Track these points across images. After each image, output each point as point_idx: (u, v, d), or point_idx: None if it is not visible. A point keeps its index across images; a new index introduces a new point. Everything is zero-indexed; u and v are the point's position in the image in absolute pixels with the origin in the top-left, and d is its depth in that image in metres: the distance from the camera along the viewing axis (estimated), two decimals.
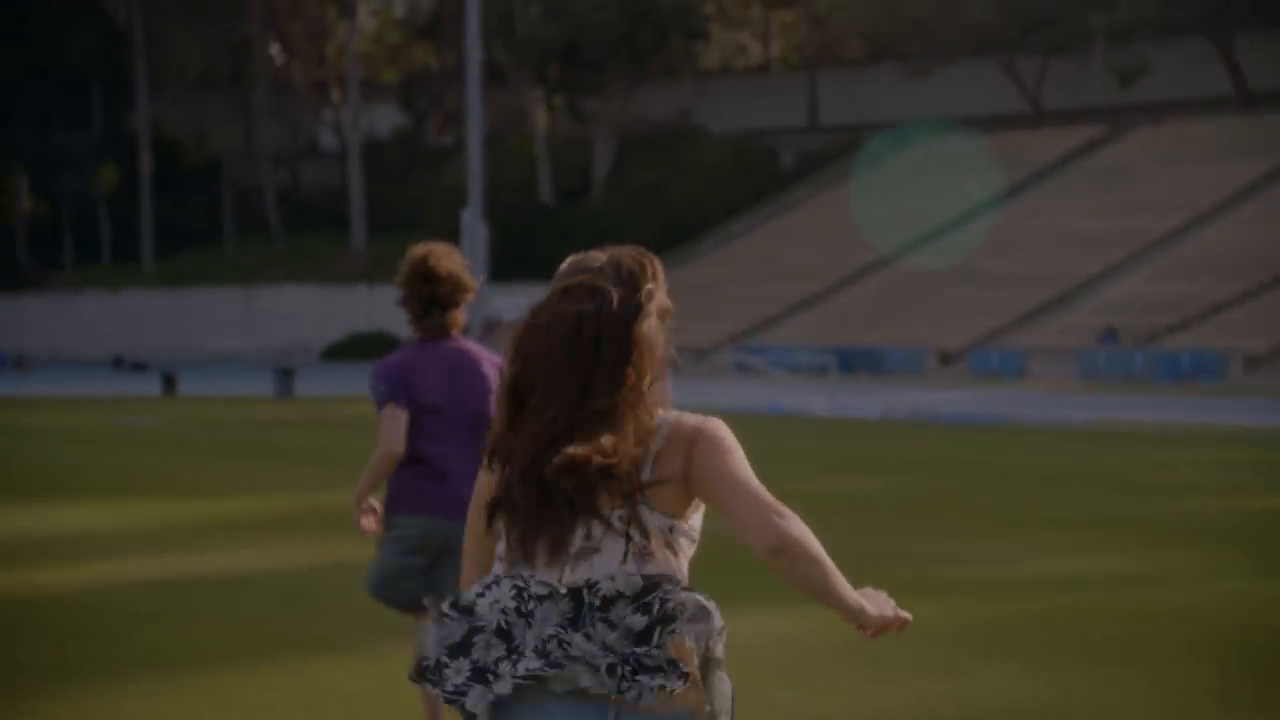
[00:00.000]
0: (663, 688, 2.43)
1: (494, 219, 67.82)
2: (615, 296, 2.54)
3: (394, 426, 4.73)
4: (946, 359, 53.48)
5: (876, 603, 2.80)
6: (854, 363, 52.38)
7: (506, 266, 70.06)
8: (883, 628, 2.76)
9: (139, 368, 55.96)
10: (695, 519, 2.67)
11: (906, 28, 73.84)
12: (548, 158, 76.95)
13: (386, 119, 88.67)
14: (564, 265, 2.74)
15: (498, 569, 2.52)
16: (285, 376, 35.30)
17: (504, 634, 2.43)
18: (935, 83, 76.67)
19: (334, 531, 10.71)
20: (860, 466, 17.38)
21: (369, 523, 4.79)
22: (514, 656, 2.42)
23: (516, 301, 69.13)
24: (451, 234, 69.19)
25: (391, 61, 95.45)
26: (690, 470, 2.54)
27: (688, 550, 2.66)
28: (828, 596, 2.71)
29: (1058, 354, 50.46)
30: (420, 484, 4.77)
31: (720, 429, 2.64)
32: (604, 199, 75.70)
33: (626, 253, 2.73)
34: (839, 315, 59.37)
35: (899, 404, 33.73)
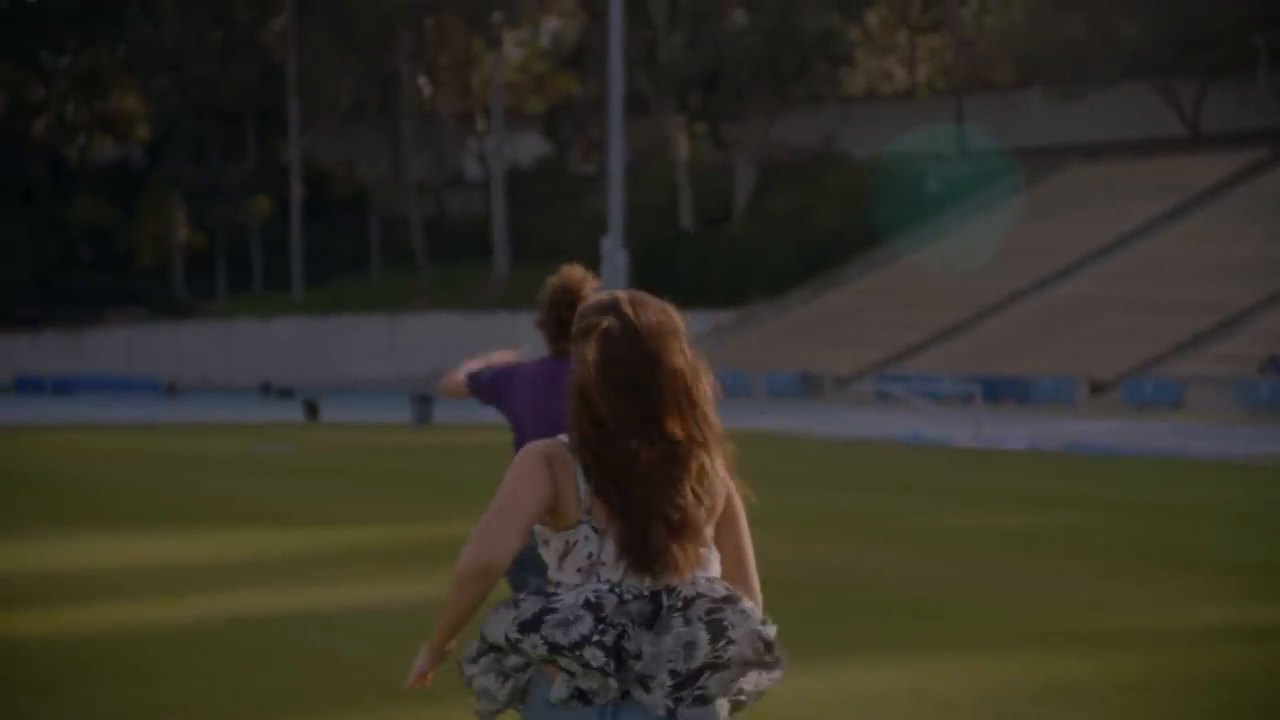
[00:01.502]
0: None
1: (635, 246, 67.71)
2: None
3: (452, 381, 5.14)
4: (1098, 388, 51.91)
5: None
6: (1000, 392, 51.12)
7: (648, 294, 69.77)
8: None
9: (285, 394, 56.78)
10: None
11: (1058, 50, 72.21)
12: (689, 185, 76.70)
13: (530, 148, 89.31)
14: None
15: (579, 576, 2.81)
16: (423, 404, 35.35)
17: (592, 606, 2.75)
18: (1087, 106, 74.94)
19: (450, 564, 10.39)
20: (1004, 501, 16.62)
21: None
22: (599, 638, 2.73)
23: None
24: (593, 261, 69.22)
25: (536, 91, 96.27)
26: (726, 508, 2.89)
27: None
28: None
29: (1216, 384, 48.66)
30: None
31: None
32: (745, 226, 75.18)
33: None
34: (985, 343, 58.04)
35: (1047, 435, 32.64)
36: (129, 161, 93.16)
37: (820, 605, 8.95)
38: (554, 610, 2.75)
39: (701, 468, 2.80)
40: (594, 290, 4.87)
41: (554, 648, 2.74)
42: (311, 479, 18.75)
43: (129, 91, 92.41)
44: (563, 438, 2.85)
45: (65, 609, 8.47)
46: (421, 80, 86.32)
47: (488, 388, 5.10)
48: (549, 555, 2.87)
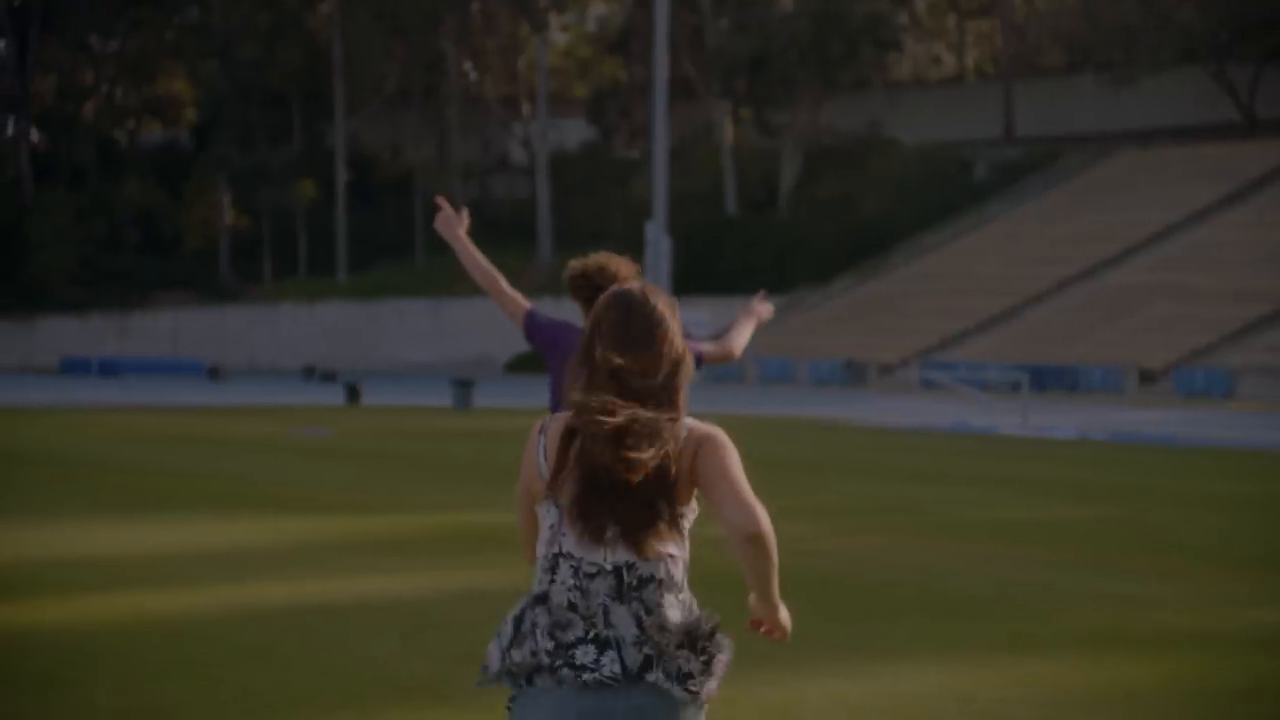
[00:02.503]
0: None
1: (680, 232, 67.28)
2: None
3: (514, 296, 5.28)
4: (1148, 378, 51.16)
5: (785, 612, 3.09)
6: (1048, 381, 50.48)
7: (692, 280, 69.45)
8: (774, 631, 3.11)
9: (328, 378, 56.75)
10: (694, 504, 3.01)
11: (1109, 34, 71.21)
12: (734, 170, 76.19)
13: (575, 133, 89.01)
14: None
15: (549, 546, 2.94)
16: (464, 388, 35.13)
17: (572, 607, 2.88)
18: (1139, 92, 73.91)
19: (477, 554, 10.07)
20: (1053, 493, 16.17)
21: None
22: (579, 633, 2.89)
23: (700, 316, 68.51)
24: (636, 246, 68.90)
25: (581, 76, 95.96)
26: (695, 465, 2.91)
27: (687, 530, 2.99)
28: (766, 588, 2.98)
29: (1269, 373, 47.85)
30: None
31: (724, 436, 2.97)
32: (790, 212, 74.61)
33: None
34: (1032, 331, 57.34)
35: (1096, 425, 32.08)
36: (176, 145, 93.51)
37: (860, 602, 8.59)
38: (506, 636, 2.95)
39: (664, 435, 2.89)
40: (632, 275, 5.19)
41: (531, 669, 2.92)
42: (346, 464, 18.52)
43: (177, 75, 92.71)
44: (549, 417, 3.06)
45: (77, 598, 8.23)
46: (467, 65, 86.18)
47: (545, 328, 5.27)
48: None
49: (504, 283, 5.40)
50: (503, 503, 13.59)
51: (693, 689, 2.85)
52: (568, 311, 5.94)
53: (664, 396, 2.91)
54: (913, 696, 6.20)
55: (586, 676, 2.81)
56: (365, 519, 12.39)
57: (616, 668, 2.83)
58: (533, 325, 5.31)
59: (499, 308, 5.41)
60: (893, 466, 19.40)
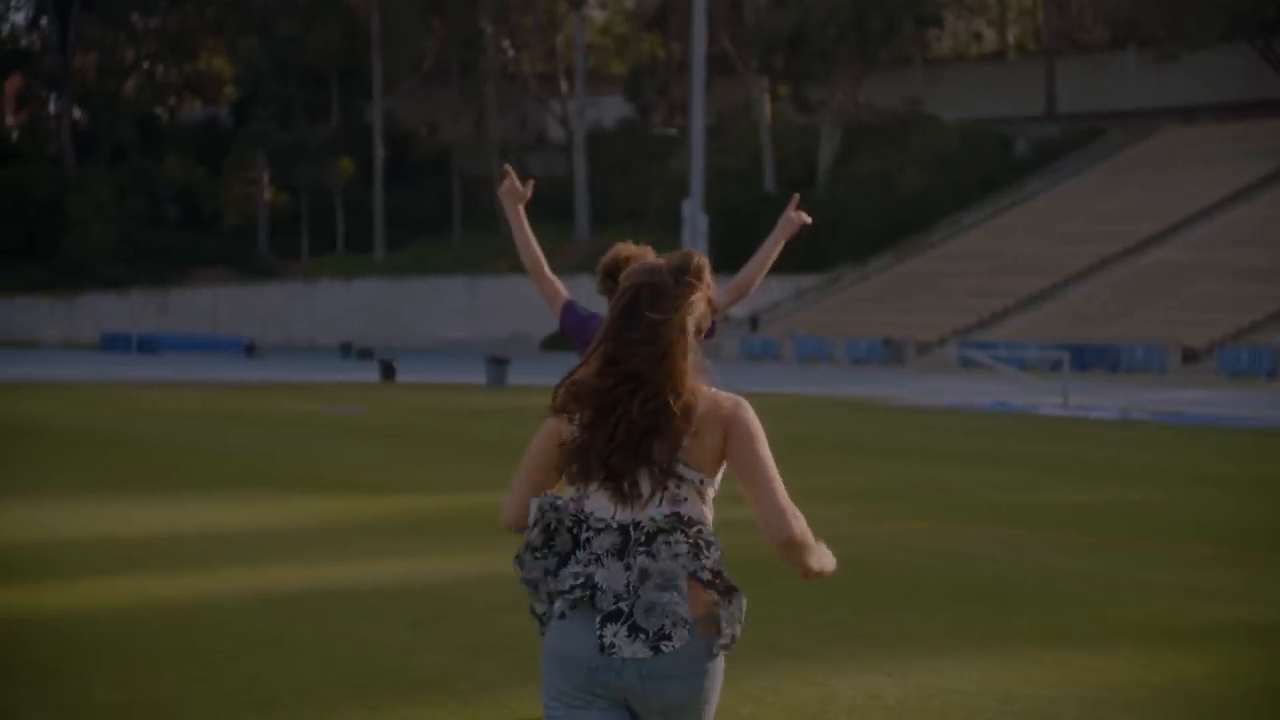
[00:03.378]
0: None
1: (717, 209, 66.83)
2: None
3: (555, 285, 5.38)
4: (1190, 357, 50.45)
5: (824, 556, 3.07)
6: (1089, 360, 49.87)
7: (730, 258, 68.93)
8: (817, 575, 3.08)
9: (365, 355, 56.67)
10: (719, 474, 3.03)
11: (1153, 10, 70.17)
12: (772, 147, 75.62)
13: (613, 110, 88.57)
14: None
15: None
16: (498, 366, 34.88)
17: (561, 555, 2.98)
18: (1183, 68, 72.90)
19: (497, 537, 9.78)
20: (1095, 475, 15.77)
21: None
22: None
23: None
24: (674, 224, 68.62)
25: (619, 53, 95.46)
26: (728, 449, 2.94)
27: (711, 495, 3.02)
28: (806, 570, 3.03)
29: None
30: None
31: (751, 413, 2.97)
32: (828, 189, 74.03)
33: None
34: (1073, 310, 56.66)
35: (1138, 404, 31.58)
36: (216, 122, 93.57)
37: (896, 591, 8.25)
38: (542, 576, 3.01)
39: (676, 407, 2.91)
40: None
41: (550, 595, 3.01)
42: (375, 442, 18.29)
43: (217, 52, 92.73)
44: None
45: (82, 582, 7.99)
46: (505, 41, 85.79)
47: (583, 320, 5.42)
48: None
49: (548, 268, 5.45)
50: None
51: (689, 638, 2.89)
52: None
53: (664, 368, 2.91)
54: (951, 695, 5.87)
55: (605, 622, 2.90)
56: (388, 499, 12.13)
57: (627, 624, 2.89)
58: (570, 316, 5.45)
59: (539, 291, 5.51)
60: (930, 447, 19.01)
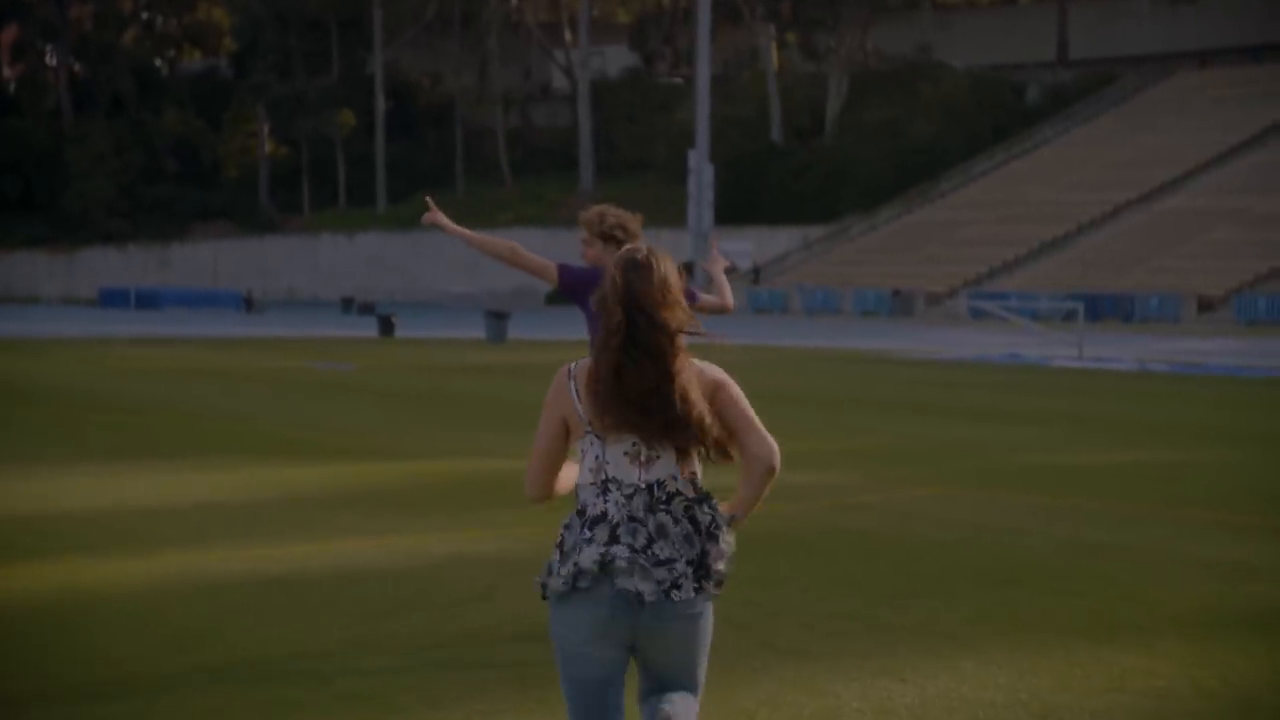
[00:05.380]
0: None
1: (724, 159, 65.68)
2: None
3: (540, 259, 5.85)
4: (1206, 305, 49.51)
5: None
6: (1102, 310, 48.93)
7: (736, 209, 67.88)
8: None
9: (366, 310, 55.82)
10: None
11: None
12: (779, 96, 74.40)
13: (617, 59, 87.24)
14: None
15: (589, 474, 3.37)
16: (498, 321, 34.04)
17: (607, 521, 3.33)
18: (1197, 11, 71.51)
19: (473, 512, 8.96)
20: (1119, 432, 14.91)
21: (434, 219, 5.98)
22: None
23: (744, 246, 67.01)
24: (679, 175, 67.47)
25: (624, 1, 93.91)
26: (717, 407, 3.37)
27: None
28: (755, 505, 3.46)
29: None
30: None
31: (729, 378, 3.42)
32: (836, 138, 72.85)
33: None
34: (1085, 259, 55.65)
35: (1155, 355, 30.71)
36: (215, 74, 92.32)
37: (910, 572, 7.41)
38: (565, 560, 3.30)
39: (682, 376, 3.28)
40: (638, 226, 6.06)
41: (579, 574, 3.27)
42: (361, 402, 17.48)
43: (215, 3, 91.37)
44: (567, 366, 3.42)
45: (49, 561, 7.19)
46: None
47: (578, 274, 5.75)
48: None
49: (522, 250, 5.73)
50: (515, 447, 12.48)
51: (708, 587, 3.29)
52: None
53: (670, 347, 3.28)
54: (977, 707, 5.04)
55: (621, 580, 3.22)
56: (363, 467, 11.30)
57: (651, 573, 3.23)
58: (567, 276, 5.78)
59: (527, 272, 5.85)
60: (944, 403, 18.16)
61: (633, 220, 5.96)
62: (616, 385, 3.21)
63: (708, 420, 3.25)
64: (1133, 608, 6.60)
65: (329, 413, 16.00)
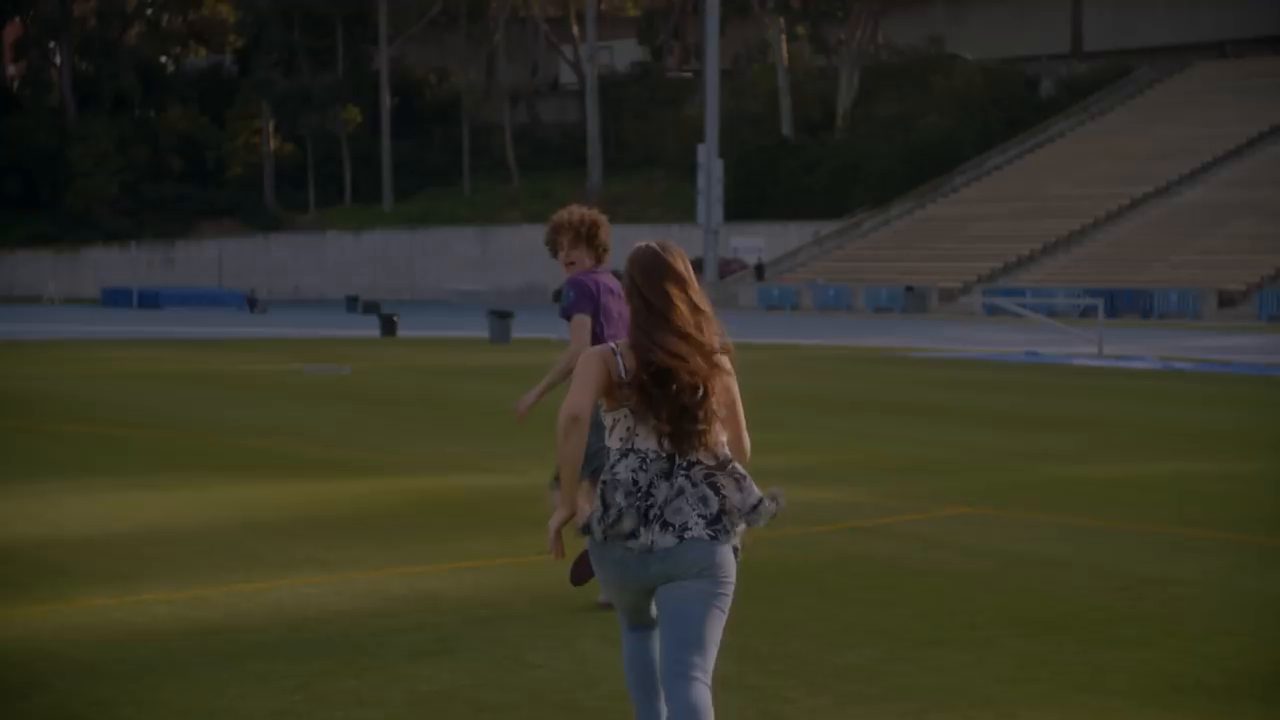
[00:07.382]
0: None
1: (733, 154, 64.75)
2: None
3: (584, 335, 6.10)
4: (1227, 301, 48.49)
5: None
6: (1120, 306, 47.93)
7: (746, 205, 66.94)
8: None
9: (371, 308, 54.95)
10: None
11: None
12: (789, 90, 73.44)
13: (626, 54, 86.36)
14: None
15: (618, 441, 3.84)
16: (501, 320, 33.14)
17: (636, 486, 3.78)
18: (1215, 1, 70.42)
19: (453, 540, 8.04)
20: (1146, 439, 13.96)
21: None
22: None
23: (755, 243, 66.04)
24: (688, 170, 66.51)
25: None
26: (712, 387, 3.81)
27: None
28: None
29: None
30: None
31: (733, 372, 3.86)
32: (848, 132, 71.88)
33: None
34: (1102, 255, 54.65)
35: (1177, 352, 29.72)
36: (220, 70, 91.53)
37: (936, 619, 6.47)
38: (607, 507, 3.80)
39: (710, 370, 3.75)
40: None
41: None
42: (348, 409, 16.58)
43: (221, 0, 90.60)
44: (610, 344, 3.85)
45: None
46: None
47: (597, 295, 6.15)
48: (606, 427, 3.86)
49: (576, 352, 5.91)
50: (500, 461, 11.58)
51: (720, 535, 3.75)
52: (617, 238, 6.49)
53: (699, 331, 3.74)
54: None
55: (643, 535, 3.71)
56: (332, 485, 10.38)
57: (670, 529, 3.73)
58: (592, 308, 6.16)
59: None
60: (961, 406, 17.21)
61: (598, 214, 6.26)
62: (657, 387, 3.67)
63: (715, 429, 3.75)
64: (1201, 663, 5.65)
65: (313, 421, 15.10)
